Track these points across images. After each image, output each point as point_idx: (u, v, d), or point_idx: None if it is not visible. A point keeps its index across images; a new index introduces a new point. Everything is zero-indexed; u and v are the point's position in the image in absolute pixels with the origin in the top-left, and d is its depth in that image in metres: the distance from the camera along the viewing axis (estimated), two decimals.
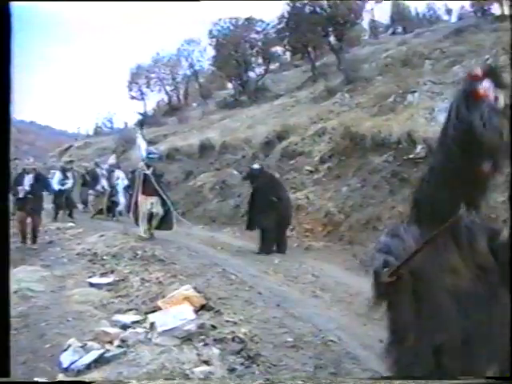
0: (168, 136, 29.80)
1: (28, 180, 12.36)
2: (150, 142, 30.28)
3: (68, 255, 10.96)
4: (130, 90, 42.31)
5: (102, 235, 12.46)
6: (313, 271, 10.12)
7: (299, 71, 33.23)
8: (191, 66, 38.75)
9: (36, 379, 4.83)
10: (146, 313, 6.65)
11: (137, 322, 6.45)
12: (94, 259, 10.41)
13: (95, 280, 8.87)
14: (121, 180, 19.27)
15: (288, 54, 35.20)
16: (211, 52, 34.39)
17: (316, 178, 15.24)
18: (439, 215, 3.19)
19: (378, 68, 22.00)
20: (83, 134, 53.71)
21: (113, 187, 19.24)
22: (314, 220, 13.36)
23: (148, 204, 12.75)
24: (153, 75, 41.05)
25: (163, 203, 12.91)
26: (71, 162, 21.06)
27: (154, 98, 52.18)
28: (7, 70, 3.99)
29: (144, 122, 15.86)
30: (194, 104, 41.50)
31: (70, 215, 18.20)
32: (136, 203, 13.00)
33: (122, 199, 19.19)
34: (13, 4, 4.01)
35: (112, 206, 19.27)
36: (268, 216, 11.83)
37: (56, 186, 17.78)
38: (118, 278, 8.86)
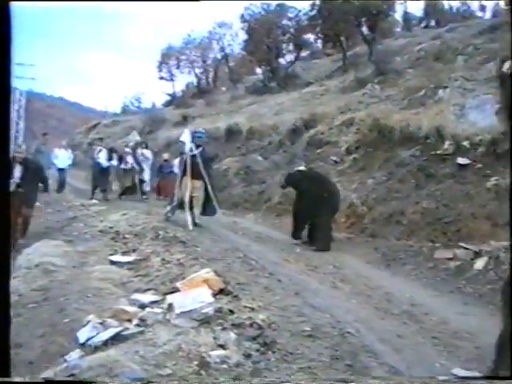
0: (195, 118, 29.85)
1: (18, 171, 10.86)
2: (177, 123, 30.55)
3: (91, 232, 11.05)
4: (160, 70, 42.50)
5: (124, 214, 12.53)
6: (334, 262, 10.10)
7: (329, 60, 33.03)
8: (222, 49, 38.71)
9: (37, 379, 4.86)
10: (165, 293, 6.68)
11: (155, 302, 6.49)
12: (116, 237, 10.50)
13: (116, 258, 8.94)
14: (146, 157, 19.38)
15: (319, 42, 34.95)
16: (243, 36, 34.35)
17: (341, 169, 15.13)
18: None
19: (410, 61, 21.78)
20: (111, 112, 54.19)
21: (138, 164, 19.06)
22: None
23: (189, 187, 12.16)
24: (183, 57, 41.11)
25: (206, 187, 12.37)
26: (100, 139, 21.22)
27: (183, 80, 52.44)
28: (7, 70, 4.05)
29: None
30: (223, 88, 41.48)
31: (105, 194, 18.39)
32: (180, 185, 12.46)
33: (146, 177, 19.30)
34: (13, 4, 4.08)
35: (139, 184, 19.22)
36: (319, 212, 11.45)
37: (105, 163, 18.23)
38: (139, 258, 8.93)
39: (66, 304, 6.53)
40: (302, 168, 13.03)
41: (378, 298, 7.87)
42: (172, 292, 6.60)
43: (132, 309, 6.12)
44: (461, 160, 11.64)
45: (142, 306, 6.28)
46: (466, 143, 11.85)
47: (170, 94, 44.79)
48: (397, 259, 10.27)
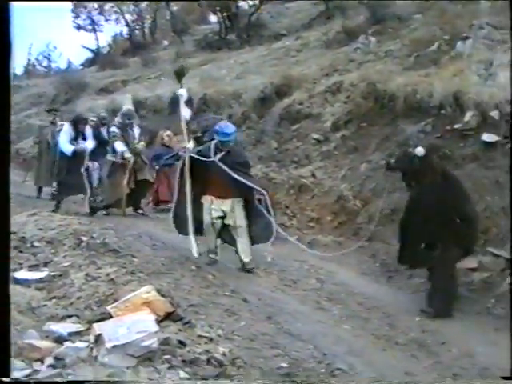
0: (128, 83, 29.70)
1: None
2: (102, 90, 30.24)
3: None
4: (77, 16, 41.86)
5: (33, 213, 12.35)
6: (317, 274, 10.14)
7: (308, 4, 33.06)
8: None
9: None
10: (91, 321, 6.59)
11: (77, 333, 6.39)
12: (20, 246, 10.31)
13: (22, 274, 8.78)
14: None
15: None
16: None
17: (326, 150, 15.18)
18: None
19: (417, 3, 21.81)
20: None
21: (136, 154, 15.24)
22: (321, 206, 13.31)
23: (216, 210, 10.44)
24: None
25: (249, 207, 10.43)
26: (53, 111, 17.87)
27: (110, 30, 51.90)
28: (7, 70, 4.14)
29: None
30: (165, 41, 41.27)
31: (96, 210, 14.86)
32: (178, 202, 10.75)
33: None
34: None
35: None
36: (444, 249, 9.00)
37: (67, 147, 14.36)
38: (53, 273, 8.78)
39: None
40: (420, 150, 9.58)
41: (378, 323, 7.92)
42: (100, 319, 6.52)
43: (45, 343, 6.01)
44: (487, 137, 11.69)
45: (59, 340, 6.17)
46: (494, 114, 11.90)
47: (91, 50, 44.38)
48: (401, 270, 10.31)
